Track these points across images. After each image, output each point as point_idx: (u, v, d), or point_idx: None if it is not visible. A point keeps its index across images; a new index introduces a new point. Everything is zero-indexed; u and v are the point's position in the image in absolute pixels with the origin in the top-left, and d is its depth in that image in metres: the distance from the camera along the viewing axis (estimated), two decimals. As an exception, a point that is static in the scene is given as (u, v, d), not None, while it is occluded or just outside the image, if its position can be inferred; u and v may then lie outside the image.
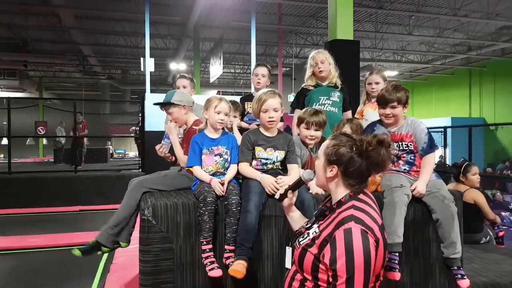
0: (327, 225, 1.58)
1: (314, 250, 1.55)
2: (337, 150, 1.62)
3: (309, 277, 1.57)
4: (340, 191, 1.64)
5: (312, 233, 1.63)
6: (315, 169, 1.76)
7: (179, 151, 2.86)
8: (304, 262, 1.58)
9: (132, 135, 13.83)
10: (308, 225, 1.74)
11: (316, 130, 2.85)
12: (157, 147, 3.30)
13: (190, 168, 2.65)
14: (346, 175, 1.62)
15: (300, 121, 2.89)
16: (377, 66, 18.71)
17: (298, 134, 2.97)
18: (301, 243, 1.64)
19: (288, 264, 1.79)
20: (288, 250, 1.82)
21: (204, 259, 2.31)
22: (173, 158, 3.17)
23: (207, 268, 2.28)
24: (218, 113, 2.57)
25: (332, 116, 3.44)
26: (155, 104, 3.02)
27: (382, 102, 2.72)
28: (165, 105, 2.91)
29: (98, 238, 2.76)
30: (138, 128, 11.71)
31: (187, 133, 2.89)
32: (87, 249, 2.77)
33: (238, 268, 2.21)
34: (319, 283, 1.54)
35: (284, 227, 2.49)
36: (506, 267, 3.48)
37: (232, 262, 2.28)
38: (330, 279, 1.47)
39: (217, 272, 2.26)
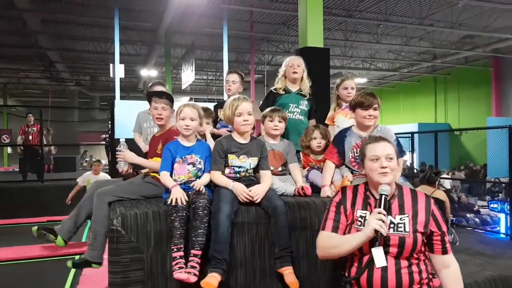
0: (412, 207, 1.98)
1: (420, 229, 1.92)
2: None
3: (415, 255, 1.92)
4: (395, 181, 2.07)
5: (404, 219, 1.94)
6: (391, 170, 1.97)
7: (152, 165, 2.80)
8: (417, 243, 1.90)
9: (103, 143, 13.38)
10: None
11: (279, 121, 3.01)
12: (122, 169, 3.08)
13: (156, 175, 2.61)
14: None
15: (264, 116, 3.07)
16: (347, 74, 19.05)
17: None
18: (407, 230, 1.91)
19: (381, 263, 1.88)
20: (379, 249, 1.88)
21: (174, 265, 2.26)
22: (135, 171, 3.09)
23: (174, 272, 2.21)
24: (183, 119, 2.53)
25: (300, 124, 3.50)
26: (154, 92, 3.01)
27: (366, 104, 2.77)
28: (163, 98, 2.89)
29: (87, 256, 2.75)
30: (108, 135, 11.43)
31: (166, 136, 2.85)
32: (79, 263, 2.80)
33: (210, 280, 2.17)
34: (420, 255, 1.94)
35: (257, 234, 2.49)
36: (472, 268, 3.58)
37: (191, 267, 2.23)
38: (437, 241, 1.96)
39: (182, 276, 2.19)
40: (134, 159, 2.80)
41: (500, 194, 12.90)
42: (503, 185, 11.74)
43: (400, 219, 1.94)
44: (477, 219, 10.03)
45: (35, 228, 2.83)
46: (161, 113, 2.88)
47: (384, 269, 1.88)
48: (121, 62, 10.86)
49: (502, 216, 8.20)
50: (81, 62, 20.12)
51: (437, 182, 4.74)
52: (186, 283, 2.26)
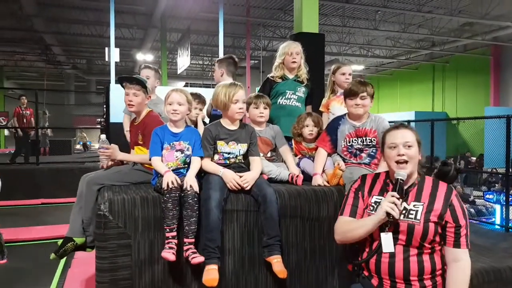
0: (430, 196, 1.95)
1: (434, 219, 1.89)
2: (419, 137, 2.01)
3: (427, 245, 1.90)
4: (416, 170, 2.02)
5: (418, 207, 1.93)
6: (409, 158, 1.94)
7: (137, 158, 2.76)
8: (428, 232, 1.88)
9: (98, 127, 13.19)
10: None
11: (264, 108, 2.97)
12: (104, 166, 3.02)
13: (146, 164, 2.58)
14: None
15: (248, 103, 2.97)
16: (344, 61, 18.96)
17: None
18: (418, 218, 1.89)
19: (389, 248, 1.90)
20: (388, 235, 1.91)
21: (165, 244, 2.25)
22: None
23: (163, 251, 2.21)
24: (170, 104, 2.47)
25: (297, 110, 3.45)
26: (124, 76, 2.86)
27: (352, 93, 2.76)
28: (133, 83, 2.78)
29: (80, 241, 2.77)
30: (103, 119, 11.32)
31: (143, 126, 2.79)
32: (61, 251, 2.77)
33: (211, 276, 2.19)
34: (434, 245, 1.91)
35: (246, 222, 2.47)
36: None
37: (192, 253, 2.22)
38: (450, 233, 1.91)
39: (169, 256, 2.18)
40: (118, 155, 2.76)
41: (496, 185, 12.95)
42: (500, 175, 11.78)
43: (414, 206, 1.93)
44: (472, 210, 10.06)
45: (53, 256, 2.79)
46: (132, 100, 2.76)
47: (392, 255, 1.90)
48: (116, 46, 10.71)
49: (497, 207, 8.20)
50: (77, 45, 19.94)
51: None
52: (171, 269, 2.27)
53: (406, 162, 1.95)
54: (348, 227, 2.02)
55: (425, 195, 1.95)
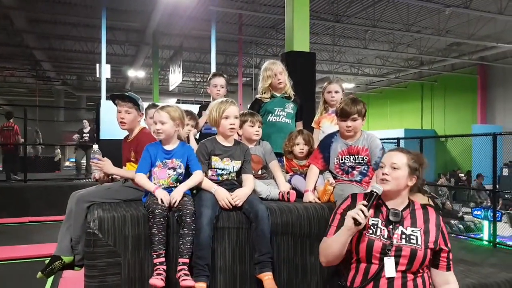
0: (424, 222, 1.99)
1: (431, 245, 1.94)
2: (415, 164, 2.02)
3: (421, 269, 1.93)
4: (407, 195, 2.05)
5: (416, 232, 1.95)
6: (392, 178, 1.98)
7: (130, 175, 2.72)
8: (426, 258, 1.92)
9: (74, 143, 12.52)
10: (389, 231, 1.96)
11: (259, 126, 3.00)
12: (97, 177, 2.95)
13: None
14: (415, 184, 2.04)
15: (243, 121, 2.96)
16: (334, 78, 19.16)
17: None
18: (419, 244, 1.93)
19: (391, 273, 1.89)
20: (390, 259, 1.90)
21: (154, 271, 2.21)
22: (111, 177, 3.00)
23: (151, 278, 2.16)
24: (155, 124, 2.45)
25: (286, 127, 3.47)
26: (116, 94, 2.84)
27: (343, 115, 2.75)
28: (126, 101, 2.76)
29: (68, 260, 2.71)
30: (86, 135, 10.82)
31: (135, 143, 2.77)
32: (49, 270, 2.70)
33: None
34: (424, 268, 1.95)
35: (237, 239, 2.46)
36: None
37: (184, 275, 2.18)
38: (444, 258, 1.97)
39: (157, 282, 2.13)
40: (111, 169, 2.71)
41: (485, 201, 13.05)
42: (487, 192, 11.89)
43: (412, 231, 1.95)
44: (461, 226, 10.13)
45: (40, 275, 2.72)
46: (124, 117, 2.74)
47: (391, 281, 1.88)
48: (108, 62, 10.76)
49: (485, 223, 8.26)
50: (68, 61, 19.90)
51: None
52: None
53: (387, 180, 1.99)
54: (325, 246, 2.02)
55: (419, 222, 1.99)
